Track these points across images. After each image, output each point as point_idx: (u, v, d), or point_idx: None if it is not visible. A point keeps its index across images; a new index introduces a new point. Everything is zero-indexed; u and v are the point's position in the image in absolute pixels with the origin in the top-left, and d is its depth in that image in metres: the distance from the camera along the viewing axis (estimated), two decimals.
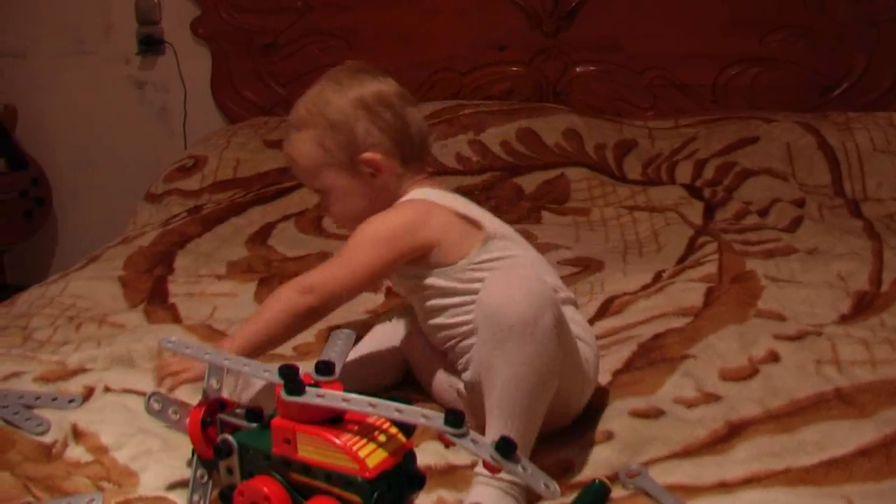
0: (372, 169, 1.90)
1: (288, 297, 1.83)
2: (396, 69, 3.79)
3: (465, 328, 1.83)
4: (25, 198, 4.11)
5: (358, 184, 1.92)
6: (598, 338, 2.13)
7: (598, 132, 3.51)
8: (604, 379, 1.96)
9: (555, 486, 1.37)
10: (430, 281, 1.87)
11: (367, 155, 1.89)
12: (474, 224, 1.88)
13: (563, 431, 1.78)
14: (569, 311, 1.78)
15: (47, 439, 1.75)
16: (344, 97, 1.91)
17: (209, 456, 1.55)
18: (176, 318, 2.38)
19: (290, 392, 1.43)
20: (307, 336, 2.23)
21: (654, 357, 2.04)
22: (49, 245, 4.43)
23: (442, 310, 1.88)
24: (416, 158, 1.96)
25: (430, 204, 1.90)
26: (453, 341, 1.88)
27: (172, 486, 1.64)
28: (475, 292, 1.69)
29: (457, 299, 1.85)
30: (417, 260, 1.87)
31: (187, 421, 1.60)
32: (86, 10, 4.16)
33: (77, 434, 1.71)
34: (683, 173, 3.31)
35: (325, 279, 1.85)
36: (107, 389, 1.90)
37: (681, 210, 3.02)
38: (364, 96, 1.91)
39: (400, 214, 1.89)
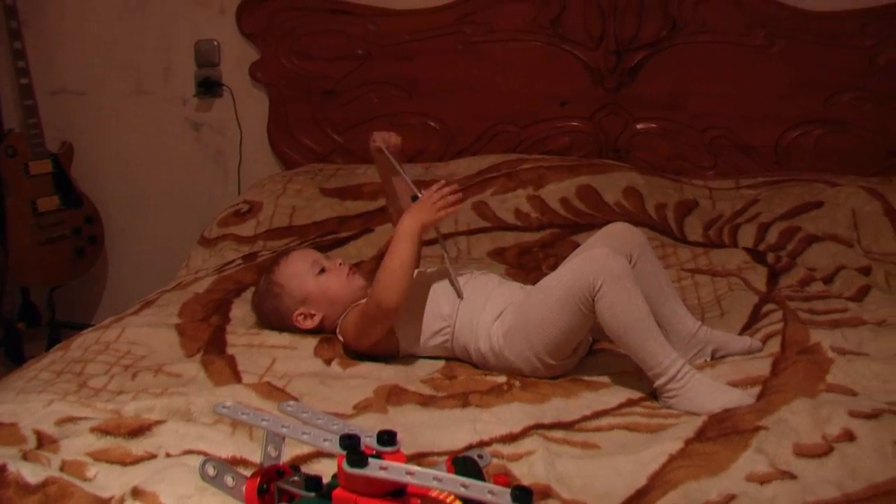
0: None
1: None
2: (456, 120, 3.86)
3: None
4: (78, 236, 4.10)
5: None
6: None
7: (658, 191, 3.46)
8: (675, 446, 1.92)
9: None
10: None
11: None
12: None
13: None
14: None
15: (105, 494, 1.71)
16: None
17: None
18: (233, 369, 2.35)
19: (352, 464, 1.40)
20: (366, 392, 2.20)
21: (725, 427, 1.98)
22: (99, 283, 4.42)
23: None
24: None
25: None
26: None
27: None
28: None
29: None
30: None
31: (244, 488, 1.57)
32: (146, 51, 4.18)
33: (136, 493, 1.67)
34: (746, 237, 3.24)
35: None
36: (167, 455, 1.86)
37: (744, 275, 2.94)
38: None
39: None
